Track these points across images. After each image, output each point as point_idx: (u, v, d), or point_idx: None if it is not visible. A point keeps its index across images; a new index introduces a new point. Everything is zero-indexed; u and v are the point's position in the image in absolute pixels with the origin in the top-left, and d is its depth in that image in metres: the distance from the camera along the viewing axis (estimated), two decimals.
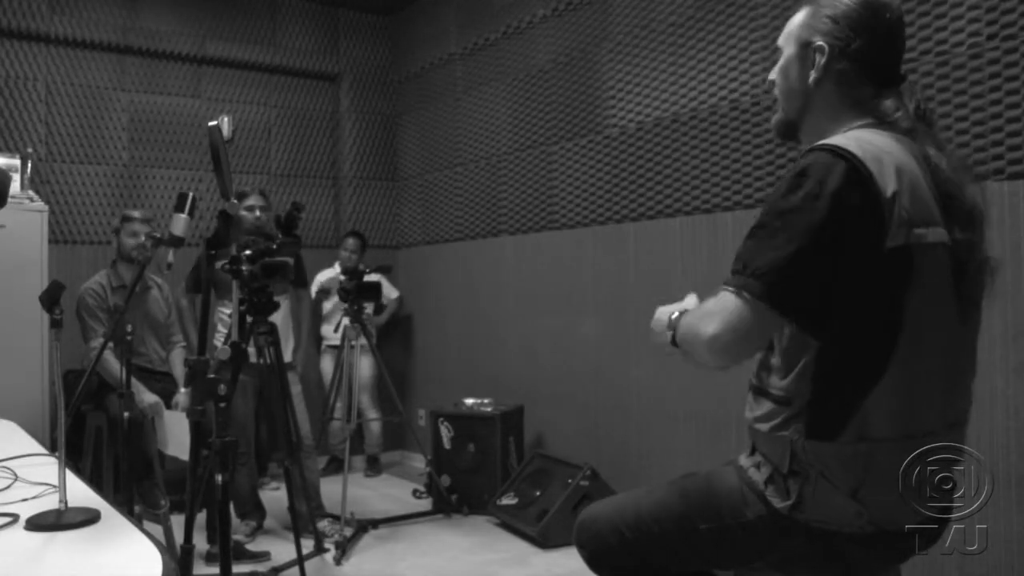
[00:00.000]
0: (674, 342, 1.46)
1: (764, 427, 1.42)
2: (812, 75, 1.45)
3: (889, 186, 1.27)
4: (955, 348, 1.39)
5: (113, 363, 3.57)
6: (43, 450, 2.24)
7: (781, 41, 1.54)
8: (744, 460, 1.50)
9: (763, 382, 1.45)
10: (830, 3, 1.44)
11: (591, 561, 1.65)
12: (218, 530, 2.45)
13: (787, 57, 1.51)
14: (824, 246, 1.26)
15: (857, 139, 1.33)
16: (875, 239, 1.27)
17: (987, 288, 1.43)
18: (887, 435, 1.31)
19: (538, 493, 4.07)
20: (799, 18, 1.50)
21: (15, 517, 1.57)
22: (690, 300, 1.56)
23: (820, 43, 1.43)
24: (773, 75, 1.55)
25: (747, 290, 1.28)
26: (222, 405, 2.29)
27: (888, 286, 1.29)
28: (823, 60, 1.43)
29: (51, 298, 1.70)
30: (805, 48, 1.46)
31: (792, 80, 1.49)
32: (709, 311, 1.33)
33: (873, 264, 1.28)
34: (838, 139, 1.34)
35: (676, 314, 1.48)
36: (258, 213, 3.97)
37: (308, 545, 3.69)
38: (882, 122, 1.41)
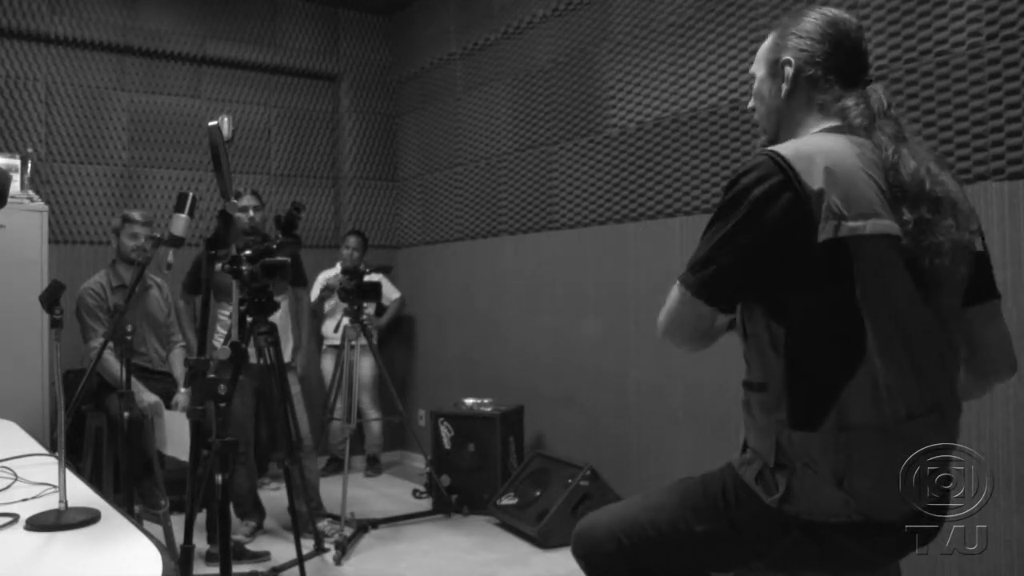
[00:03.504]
0: None
1: (751, 419, 1.46)
2: (784, 87, 1.52)
3: (815, 183, 1.33)
4: (923, 333, 1.39)
5: (113, 363, 3.57)
6: (43, 450, 2.24)
7: (753, 68, 1.62)
8: (736, 460, 1.52)
9: (746, 374, 1.50)
10: (793, 23, 1.53)
11: (589, 570, 1.65)
12: (218, 530, 2.45)
13: (759, 79, 1.59)
14: (741, 244, 1.37)
15: (799, 142, 1.43)
16: (805, 233, 1.33)
17: (953, 270, 1.42)
18: (866, 423, 1.34)
19: (538, 493, 4.07)
20: (766, 44, 1.58)
21: (15, 517, 1.57)
22: None
23: (788, 57, 1.51)
24: (752, 103, 1.62)
25: (684, 284, 1.43)
26: (222, 405, 2.29)
27: (830, 278, 1.34)
28: (792, 71, 1.50)
29: (51, 298, 1.71)
30: (775, 66, 1.54)
31: (766, 99, 1.57)
32: (667, 301, 1.49)
33: (808, 256, 1.34)
34: (783, 145, 1.43)
35: None
36: (251, 214, 3.98)
37: (308, 545, 3.69)
38: (843, 124, 1.47)
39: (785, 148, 1.40)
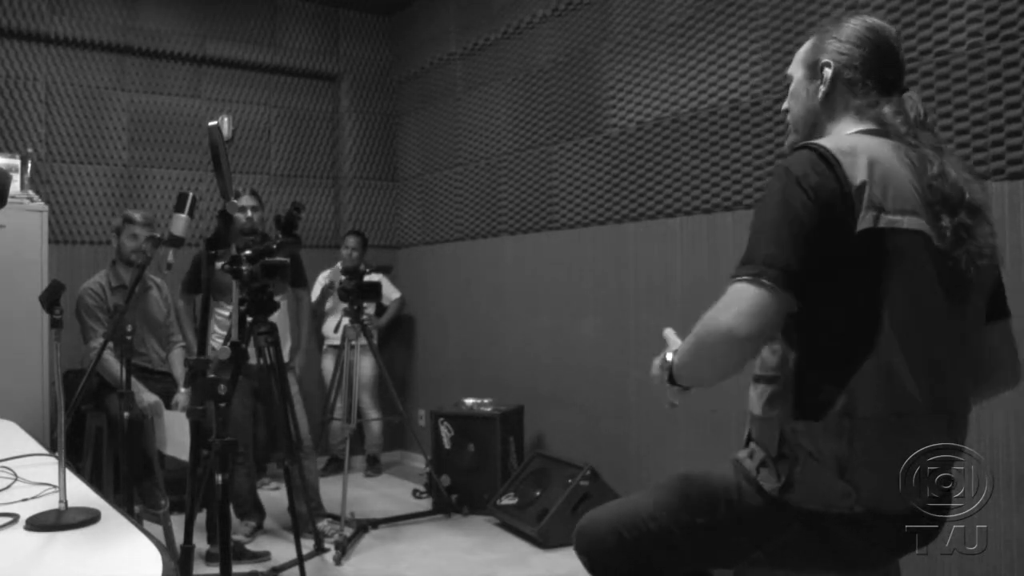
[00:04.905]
0: (671, 379, 1.52)
1: (757, 410, 1.47)
2: (821, 89, 1.54)
3: (858, 175, 1.35)
4: (941, 334, 1.41)
5: (113, 363, 3.57)
6: (43, 450, 2.24)
7: (790, 70, 1.64)
8: (740, 453, 1.53)
9: (760, 367, 1.50)
10: (834, 28, 1.56)
11: (591, 566, 1.65)
12: (218, 530, 2.45)
13: (797, 81, 1.61)
14: (807, 228, 1.34)
15: (838, 139, 1.44)
16: (845, 222, 1.34)
17: (989, 275, 1.45)
18: (871, 414, 1.35)
19: (538, 493, 4.07)
20: (805, 47, 1.61)
21: (15, 517, 1.57)
22: (673, 338, 1.59)
23: (827, 59, 1.53)
24: (786, 104, 1.65)
25: (765, 277, 1.32)
26: (222, 405, 2.29)
27: (862, 269, 1.35)
28: (830, 73, 1.52)
29: (51, 298, 1.71)
30: (813, 68, 1.56)
31: (802, 100, 1.59)
32: (720, 306, 1.35)
33: (845, 246, 1.34)
34: (823, 139, 1.44)
35: (669, 355, 1.52)
36: (250, 213, 3.99)
37: (308, 545, 3.69)
38: (880, 128, 1.48)
39: (826, 142, 1.41)
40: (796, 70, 1.61)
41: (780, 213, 1.36)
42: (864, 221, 1.34)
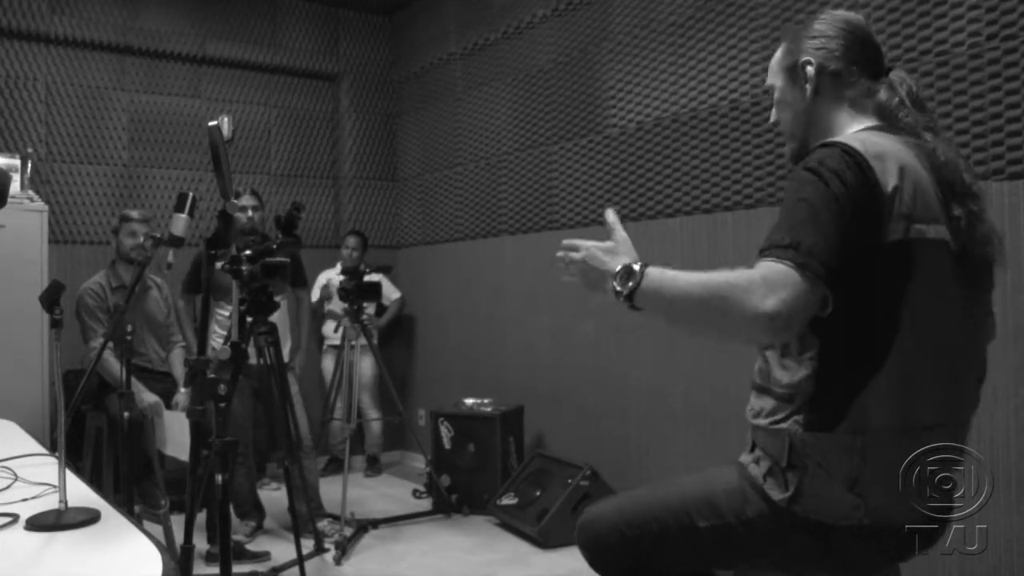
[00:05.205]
0: (630, 298, 1.38)
1: (764, 422, 1.43)
2: (808, 88, 1.50)
3: (890, 181, 1.31)
4: (957, 345, 1.40)
5: (113, 363, 3.57)
6: (43, 450, 2.24)
7: (770, 79, 1.60)
8: (744, 457, 1.51)
9: (767, 380, 1.46)
10: (803, 29, 1.54)
11: (593, 562, 1.65)
12: (218, 530, 2.45)
13: (780, 89, 1.57)
14: (848, 224, 1.26)
15: (861, 139, 1.38)
16: (875, 231, 1.30)
17: (994, 267, 1.45)
18: (885, 426, 1.32)
19: (538, 493, 4.06)
20: (778, 54, 1.58)
21: (15, 517, 1.57)
22: (619, 230, 1.52)
23: (806, 58, 1.50)
24: (774, 116, 1.60)
25: (810, 269, 1.22)
26: (222, 405, 2.29)
27: (887, 279, 1.31)
28: (813, 70, 1.49)
29: (51, 298, 1.71)
30: (792, 71, 1.53)
31: (791, 104, 1.54)
32: (759, 281, 1.23)
33: (872, 256, 1.30)
34: (843, 137, 1.39)
35: (635, 265, 1.40)
36: (250, 213, 3.99)
37: (308, 545, 3.69)
38: (885, 122, 1.46)
39: (852, 142, 1.34)
40: (775, 79, 1.57)
41: (822, 201, 1.26)
42: (894, 232, 1.29)
